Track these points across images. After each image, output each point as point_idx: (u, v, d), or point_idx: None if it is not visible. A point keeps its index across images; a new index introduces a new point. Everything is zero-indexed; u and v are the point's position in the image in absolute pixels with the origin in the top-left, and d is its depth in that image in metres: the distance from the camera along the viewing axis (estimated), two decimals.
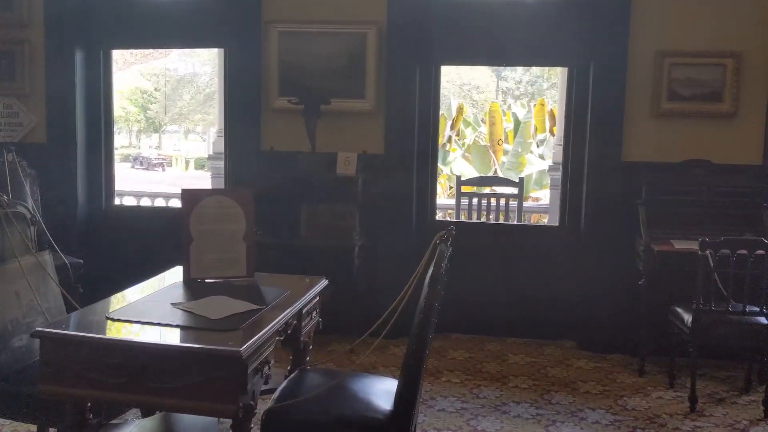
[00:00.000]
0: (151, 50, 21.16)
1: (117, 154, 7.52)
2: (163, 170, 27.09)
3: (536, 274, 5.32)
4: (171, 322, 2.55)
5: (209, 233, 3.16)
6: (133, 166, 26.90)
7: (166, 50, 21.31)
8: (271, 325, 2.59)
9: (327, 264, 5.00)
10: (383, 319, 2.78)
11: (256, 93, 5.40)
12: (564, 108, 5.49)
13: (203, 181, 18.35)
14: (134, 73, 25.55)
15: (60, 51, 5.55)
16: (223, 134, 6.92)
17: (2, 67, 5.38)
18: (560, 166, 5.85)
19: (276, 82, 5.37)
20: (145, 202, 9.45)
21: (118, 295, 2.89)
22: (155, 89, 28.03)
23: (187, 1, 5.59)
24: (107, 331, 2.48)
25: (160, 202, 9.36)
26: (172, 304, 2.74)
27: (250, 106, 5.42)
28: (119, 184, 7.93)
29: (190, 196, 3.16)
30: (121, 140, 29.67)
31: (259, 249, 3.31)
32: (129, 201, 9.33)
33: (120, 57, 21.03)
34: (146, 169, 26.72)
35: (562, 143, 8.38)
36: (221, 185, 6.85)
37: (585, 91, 5.18)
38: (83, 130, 5.73)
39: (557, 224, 5.56)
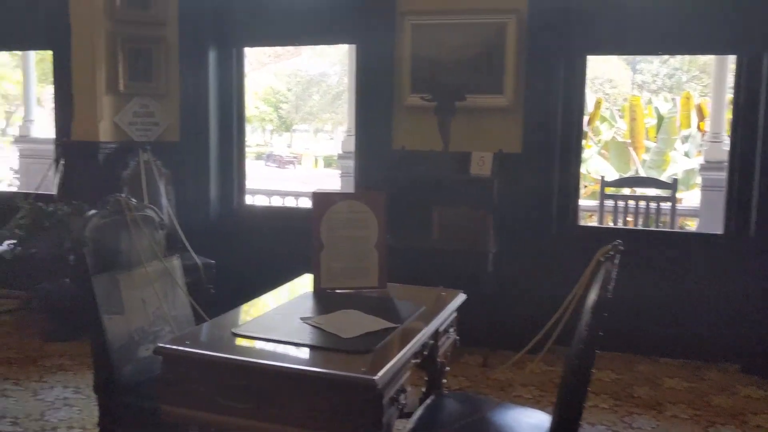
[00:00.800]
0: (283, 51, 21.68)
1: (250, 152, 7.61)
2: (294, 168, 27.74)
3: (694, 286, 4.76)
4: (300, 341, 2.32)
5: (340, 240, 2.93)
6: (266, 164, 27.73)
7: (298, 50, 21.75)
8: (408, 347, 2.31)
9: (458, 269, 4.69)
10: (536, 341, 2.44)
11: (388, 90, 5.15)
12: (734, 101, 4.87)
13: (332, 179, 18.54)
14: (267, 73, 26.30)
15: (194, 49, 5.56)
16: (351, 133, 6.77)
17: (139, 66, 5.43)
18: (723, 165, 5.23)
19: (408, 78, 5.10)
20: (276, 200, 9.49)
21: (246, 306, 2.71)
22: (287, 89, 28.76)
23: None
24: (232, 348, 2.28)
25: (291, 201, 9.39)
26: (302, 319, 2.52)
27: (381, 103, 5.19)
28: (253, 182, 7.98)
29: (321, 200, 2.94)
30: (255, 138, 30.72)
31: (389, 252, 3.04)
32: (261, 199, 9.40)
33: (254, 58, 21.66)
34: (278, 167, 27.44)
35: (719, 140, 7.75)
36: (350, 184, 6.70)
37: (757, 82, 4.56)
38: (216, 128, 5.72)
39: (721, 232, 4.93)
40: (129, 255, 2.81)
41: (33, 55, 10.02)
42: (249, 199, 6.14)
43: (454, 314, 2.97)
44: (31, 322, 5.41)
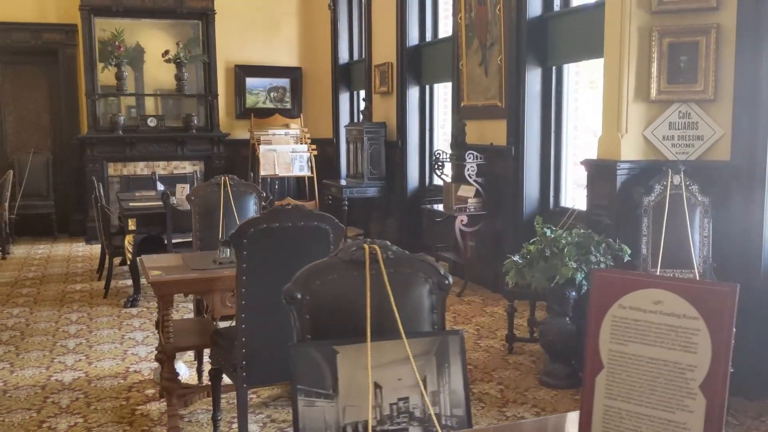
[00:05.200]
0: None
1: None
2: None
3: None
4: None
5: (632, 362, 1.59)
6: None
7: None
8: None
9: None
10: None
11: None
12: None
13: None
14: None
15: (753, 37, 4.07)
16: None
17: (679, 65, 4.28)
18: None
19: None
20: None
21: None
22: None
23: None
24: None
25: None
26: None
27: None
28: None
29: (604, 284, 1.64)
30: None
31: None
32: None
33: None
34: None
35: None
36: None
37: None
38: None
39: None
40: (364, 318, 2.14)
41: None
42: None
43: None
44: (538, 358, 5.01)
